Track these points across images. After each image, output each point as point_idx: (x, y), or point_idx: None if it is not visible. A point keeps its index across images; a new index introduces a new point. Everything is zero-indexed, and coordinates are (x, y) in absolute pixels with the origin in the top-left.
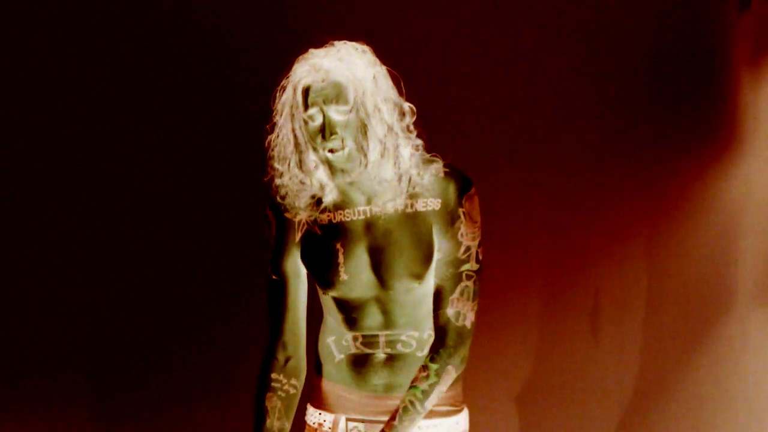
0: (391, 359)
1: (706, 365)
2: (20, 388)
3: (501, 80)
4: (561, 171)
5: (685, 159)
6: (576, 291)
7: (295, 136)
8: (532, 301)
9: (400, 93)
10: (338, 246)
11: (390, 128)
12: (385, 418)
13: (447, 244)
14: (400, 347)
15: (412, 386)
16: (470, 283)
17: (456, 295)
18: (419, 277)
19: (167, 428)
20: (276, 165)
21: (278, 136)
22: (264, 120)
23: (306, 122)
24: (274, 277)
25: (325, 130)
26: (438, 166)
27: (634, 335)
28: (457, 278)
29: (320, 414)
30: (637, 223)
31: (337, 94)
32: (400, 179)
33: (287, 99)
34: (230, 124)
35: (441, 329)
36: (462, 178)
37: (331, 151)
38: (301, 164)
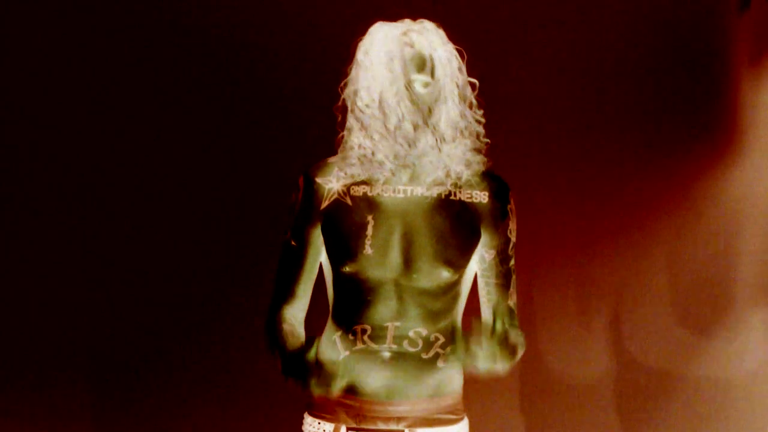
0: (396, 358)
1: (706, 365)
2: (20, 388)
3: (500, 80)
4: (558, 171)
5: (684, 159)
6: (575, 291)
7: (382, 98)
8: (530, 302)
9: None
10: (369, 218)
11: (462, 114)
12: (388, 427)
13: (498, 241)
14: (406, 344)
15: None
16: (514, 275)
17: (512, 289)
18: (452, 265)
19: (167, 428)
20: (358, 119)
21: (359, 95)
22: (265, 120)
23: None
24: (293, 243)
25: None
26: (482, 159)
27: (633, 335)
28: (509, 273)
29: (319, 423)
30: (636, 223)
31: (422, 65)
32: (458, 164)
33: (372, 62)
34: (230, 124)
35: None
36: (500, 176)
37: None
38: (385, 124)
